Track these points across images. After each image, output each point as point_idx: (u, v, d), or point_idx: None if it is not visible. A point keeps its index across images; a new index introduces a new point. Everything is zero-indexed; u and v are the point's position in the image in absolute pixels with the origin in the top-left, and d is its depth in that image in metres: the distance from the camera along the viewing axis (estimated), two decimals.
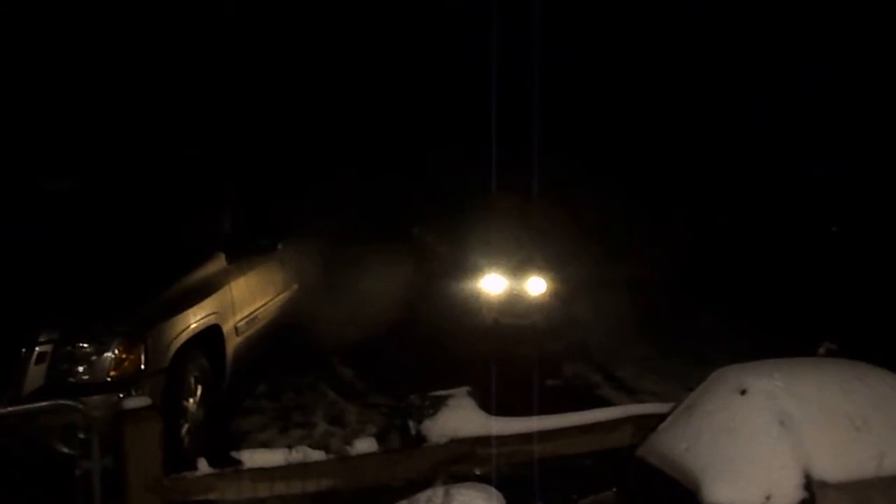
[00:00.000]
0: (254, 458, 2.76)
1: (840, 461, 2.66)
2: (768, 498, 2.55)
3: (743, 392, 2.81)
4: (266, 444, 4.81)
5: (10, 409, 2.92)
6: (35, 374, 3.84)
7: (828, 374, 2.97)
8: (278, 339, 5.98)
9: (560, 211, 7.59)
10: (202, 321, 4.57)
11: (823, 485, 2.60)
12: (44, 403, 3.28)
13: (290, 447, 2.89)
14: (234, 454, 2.75)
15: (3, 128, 8.68)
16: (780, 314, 7.70)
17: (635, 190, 10.12)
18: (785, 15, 10.98)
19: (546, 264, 6.89)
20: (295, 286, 6.35)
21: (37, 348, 3.87)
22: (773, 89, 11.16)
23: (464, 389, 3.16)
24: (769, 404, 2.75)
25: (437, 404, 3.08)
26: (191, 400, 4.53)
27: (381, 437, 3.16)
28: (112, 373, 3.93)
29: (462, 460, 3.01)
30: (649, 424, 3.05)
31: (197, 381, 4.60)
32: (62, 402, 2.95)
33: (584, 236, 7.60)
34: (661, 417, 3.03)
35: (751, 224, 10.55)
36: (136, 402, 2.67)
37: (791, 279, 9.01)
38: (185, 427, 4.44)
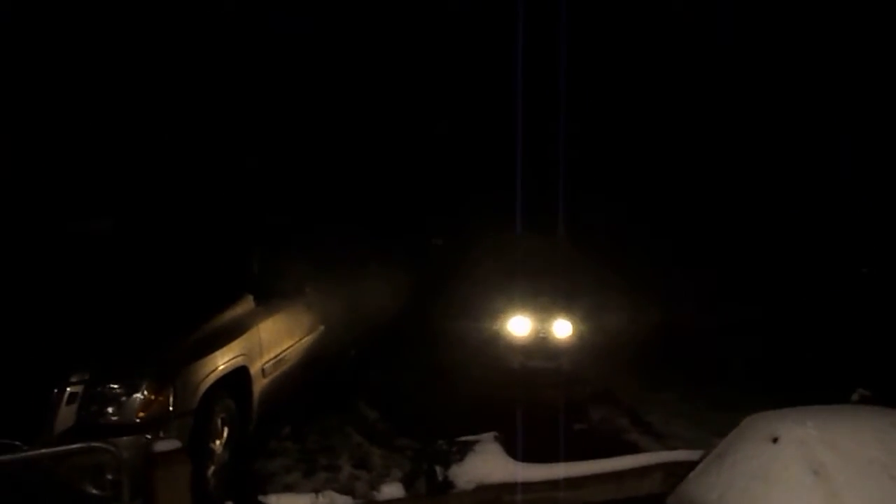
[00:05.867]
0: (280, 502, 2.75)
1: None
2: None
3: (775, 440, 2.77)
4: (291, 487, 4.78)
5: (43, 451, 2.95)
6: (66, 415, 3.87)
7: (862, 423, 2.91)
8: (304, 380, 5.99)
9: (587, 252, 7.58)
10: (230, 363, 4.59)
11: None
12: (76, 445, 3.31)
13: (316, 491, 2.88)
14: (262, 498, 2.75)
15: (37, 170, 8.89)
16: (810, 358, 7.57)
17: (665, 233, 10.10)
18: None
19: (572, 307, 6.85)
20: (321, 328, 6.38)
21: (68, 389, 3.91)
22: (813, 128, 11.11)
23: (490, 435, 3.15)
24: (802, 453, 2.70)
25: (464, 450, 3.07)
26: (217, 441, 4.54)
27: (407, 482, 3.14)
28: (141, 414, 3.96)
29: None
30: (679, 472, 3.00)
31: (224, 423, 4.61)
32: (94, 444, 2.97)
33: (612, 279, 7.56)
34: (692, 465, 2.99)
35: (782, 266, 10.46)
36: (166, 444, 2.69)
37: (822, 321, 8.88)
38: (211, 469, 4.44)
